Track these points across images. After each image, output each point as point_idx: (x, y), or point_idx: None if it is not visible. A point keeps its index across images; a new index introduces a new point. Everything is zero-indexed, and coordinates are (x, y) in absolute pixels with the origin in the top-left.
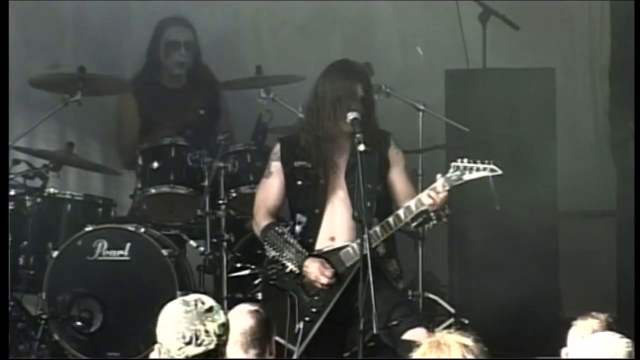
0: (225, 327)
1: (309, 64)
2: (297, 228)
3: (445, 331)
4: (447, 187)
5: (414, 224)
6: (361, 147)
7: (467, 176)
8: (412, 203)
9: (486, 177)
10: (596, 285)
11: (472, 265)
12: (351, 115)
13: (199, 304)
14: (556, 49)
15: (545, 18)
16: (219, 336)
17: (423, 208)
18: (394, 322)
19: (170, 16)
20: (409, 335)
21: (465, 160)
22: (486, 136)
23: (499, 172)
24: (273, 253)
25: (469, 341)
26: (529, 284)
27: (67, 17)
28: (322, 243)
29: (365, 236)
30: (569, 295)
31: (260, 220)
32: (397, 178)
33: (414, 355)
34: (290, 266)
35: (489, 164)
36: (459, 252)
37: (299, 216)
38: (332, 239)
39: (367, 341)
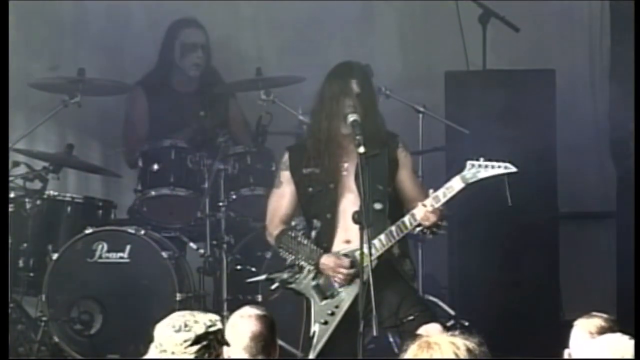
0: (215, 322)
1: (309, 65)
2: (313, 233)
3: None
4: (463, 185)
5: (419, 228)
6: (361, 149)
7: (483, 174)
8: (406, 219)
9: (501, 175)
10: (596, 287)
11: (472, 267)
12: (351, 118)
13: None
14: (556, 51)
15: (545, 19)
16: (208, 326)
17: (416, 224)
18: (410, 317)
19: (183, 18)
20: (424, 330)
21: (482, 159)
22: (486, 138)
23: (514, 169)
24: (289, 257)
25: (459, 341)
26: (529, 285)
27: (67, 18)
28: (338, 246)
29: (366, 237)
30: (569, 296)
31: (273, 230)
32: (407, 180)
33: (405, 355)
34: (307, 265)
35: (504, 161)
36: (458, 254)
37: (314, 222)
38: (348, 241)
39: (367, 343)
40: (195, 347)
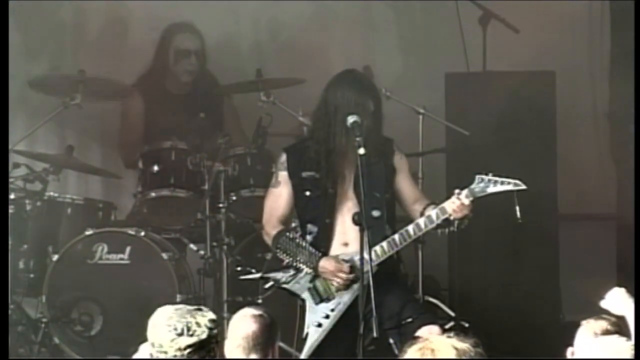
0: (215, 322)
1: (309, 66)
2: (308, 238)
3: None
4: (471, 199)
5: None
6: (361, 151)
7: (491, 189)
8: (433, 213)
9: (510, 191)
10: (596, 289)
11: (472, 268)
12: (351, 119)
13: (188, 306)
14: (556, 52)
15: (545, 21)
16: (210, 328)
17: (444, 217)
18: (409, 320)
19: (178, 22)
20: (423, 332)
21: (490, 174)
22: (486, 139)
23: (523, 187)
24: (287, 259)
25: (460, 344)
26: (529, 287)
27: (67, 19)
28: (336, 249)
29: (366, 238)
30: (569, 298)
31: (271, 230)
32: (404, 183)
33: (406, 356)
34: (305, 268)
35: (513, 179)
36: (459, 255)
37: (309, 226)
38: (346, 244)
39: (366, 344)
40: (198, 353)
